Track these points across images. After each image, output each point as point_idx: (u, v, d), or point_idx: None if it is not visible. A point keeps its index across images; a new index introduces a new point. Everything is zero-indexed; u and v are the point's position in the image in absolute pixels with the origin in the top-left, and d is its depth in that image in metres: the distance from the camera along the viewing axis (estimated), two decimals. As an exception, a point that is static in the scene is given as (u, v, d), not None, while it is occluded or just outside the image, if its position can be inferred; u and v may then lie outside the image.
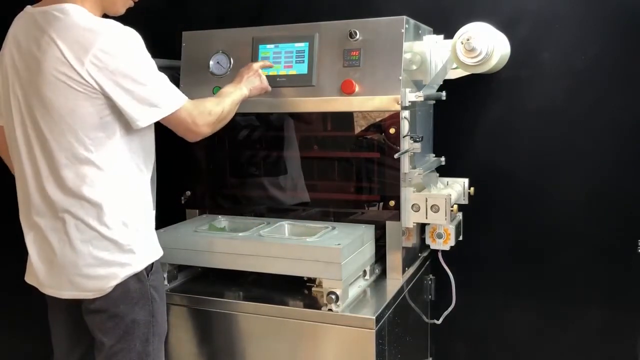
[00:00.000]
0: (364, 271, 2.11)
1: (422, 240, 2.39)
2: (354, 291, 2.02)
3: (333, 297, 1.88)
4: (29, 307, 2.58)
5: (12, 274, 2.12)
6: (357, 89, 2.12)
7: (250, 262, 2.02)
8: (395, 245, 2.17)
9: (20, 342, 3.23)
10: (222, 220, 2.32)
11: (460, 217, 2.43)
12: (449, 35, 2.22)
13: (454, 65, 2.21)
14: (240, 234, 2.11)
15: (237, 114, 2.35)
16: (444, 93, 2.37)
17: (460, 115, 2.52)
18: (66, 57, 1.59)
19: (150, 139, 1.82)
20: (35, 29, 1.66)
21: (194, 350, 2.10)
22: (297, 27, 2.25)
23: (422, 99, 2.13)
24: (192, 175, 2.43)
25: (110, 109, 1.64)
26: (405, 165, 2.13)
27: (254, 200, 2.43)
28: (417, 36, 2.26)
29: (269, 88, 2.13)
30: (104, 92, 1.61)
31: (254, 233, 2.11)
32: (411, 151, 2.13)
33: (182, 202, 2.45)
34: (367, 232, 2.11)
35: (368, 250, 2.12)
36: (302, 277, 2.10)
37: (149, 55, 1.69)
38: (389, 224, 2.16)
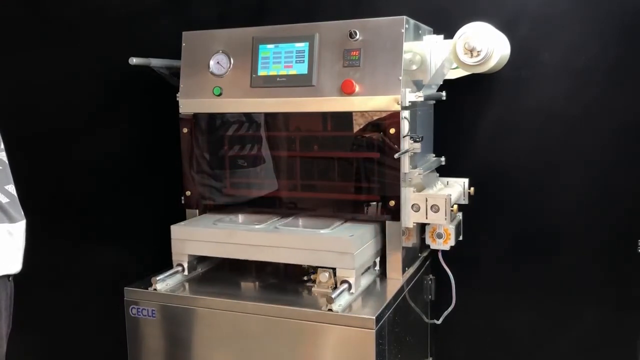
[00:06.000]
0: (374, 262, 2.20)
1: (422, 240, 2.39)
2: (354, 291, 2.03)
3: (346, 285, 1.98)
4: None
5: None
6: (357, 89, 2.12)
7: (268, 253, 2.12)
8: (395, 245, 2.17)
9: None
10: (239, 215, 2.39)
11: (460, 217, 2.43)
12: (449, 35, 2.22)
13: (454, 65, 2.21)
14: (257, 226, 2.20)
15: (237, 114, 2.36)
16: (444, 93, 2.38)
17: (460, 115, 2.52)
18: None
19: None
20: None
21: (193, 350, 2.10)
22: (297, 27, 2.25)
23: (422, 99, 2.13)
24: (191, 175, 2.43)
25: None
26: (405, 165, 2.13)
27: (253, 199, 2.43)
28: (417, 36, 2.26)
29: None
30: None
31: (270, 225, 2.20)
32: (411, 151, 2.13)
33: (182, 201, 2.46)
34: (375, 227, 2.20)
35: (377, 243, 2.20)
36: (302, 278, 2.15)
37: None
38: (389, 224, 2.17)
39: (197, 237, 2.21)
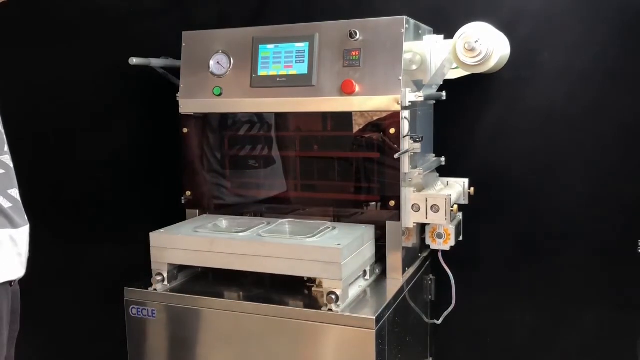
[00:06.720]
0: (364, 271, 2.11)
1: (422, 240, 2.39)
2: (354, 291, 2.02)
3: (333, 297, 1.89)
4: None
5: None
6: (357, 89, 2.12)
7: (250, 262, 2.02)
8: (395, 246, 2.17)
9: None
10: (223, 220, 2.32)
11: (460, 217, 2.43)
12: (449, 35, 2.22)
13: (454, 65, 2.21)
14: (240, 234, 2.11)
15: (237, 114, 2.37)
16: (444, 93, 2.37)
17: (460, 115, 2.52)
18: None
19: None
20: None
21: (193, 350, 2.10)
22: (297, 27, 2.25)
23: (422, 99, 2.13)
24: (192, 175, 2.44)
25: None
26: (405, 165, 2.13)
27: (254, 199, 2.43)
28: (417, 36, 2.26)
29: None
30: None
31: (253, 233, 2.11)
32: (411, 151, 2.13)
33: (182, 202, 2.46)
34: (367, 232, 2.12)
35: (368, 250, 2.12)
36: (302, 277, 2.11)
37: None
38: (389, 224, 2.16)
39: (176, 245, 2.11)
